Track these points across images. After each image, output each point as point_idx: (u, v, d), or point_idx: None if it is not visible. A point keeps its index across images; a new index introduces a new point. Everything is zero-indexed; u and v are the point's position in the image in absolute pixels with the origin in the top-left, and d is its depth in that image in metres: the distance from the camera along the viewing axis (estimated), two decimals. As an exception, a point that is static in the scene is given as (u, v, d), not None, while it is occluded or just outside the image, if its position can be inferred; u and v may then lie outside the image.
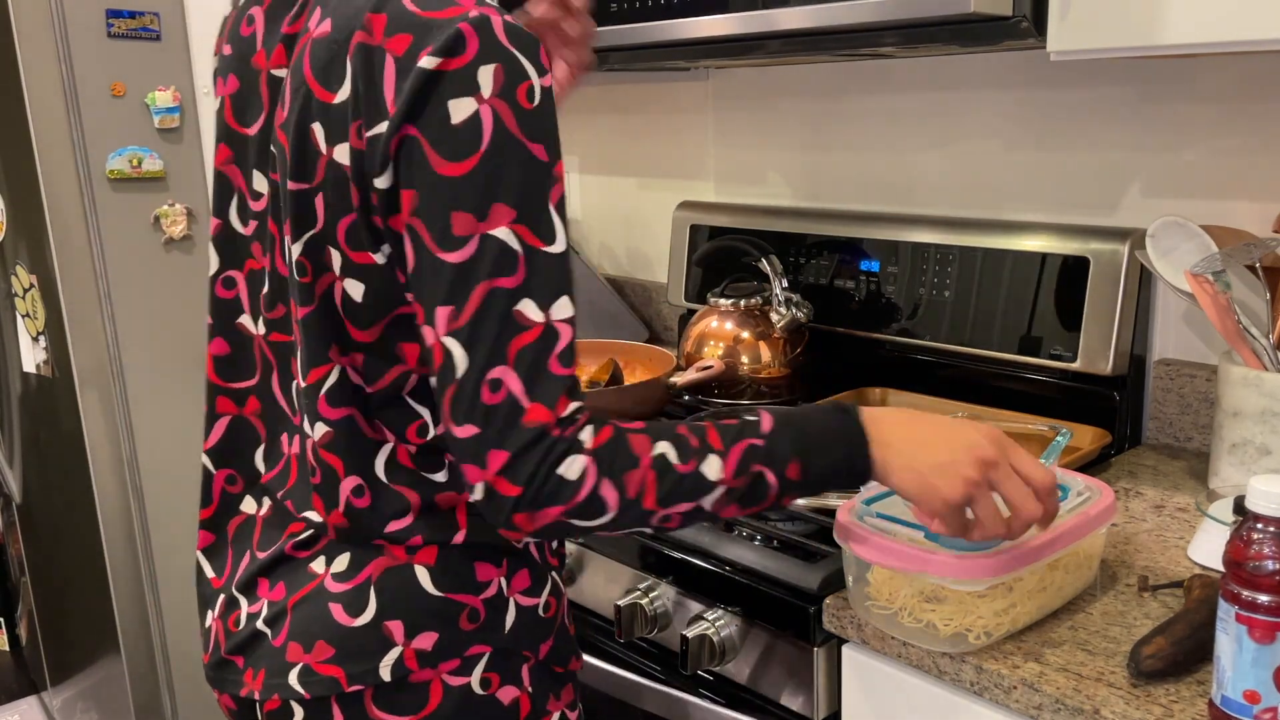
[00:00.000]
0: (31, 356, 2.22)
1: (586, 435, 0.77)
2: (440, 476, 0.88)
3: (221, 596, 0.95)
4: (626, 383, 1.67)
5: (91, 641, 2.28)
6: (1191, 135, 1.39)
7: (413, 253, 0.78)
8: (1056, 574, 0.98)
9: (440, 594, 0.88)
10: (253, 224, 0.92)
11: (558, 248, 0.78)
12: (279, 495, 0.93)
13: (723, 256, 1.87)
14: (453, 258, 0.76)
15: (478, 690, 0.90)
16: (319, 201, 0.82)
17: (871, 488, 1.05)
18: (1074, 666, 0.91)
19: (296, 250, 0.84)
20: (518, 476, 0.76)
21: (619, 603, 1.20)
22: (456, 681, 0.89)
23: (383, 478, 0.87)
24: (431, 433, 0.87)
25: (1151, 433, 1.47)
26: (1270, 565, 0.77)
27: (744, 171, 1.97)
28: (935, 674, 0.96)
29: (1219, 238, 1.26)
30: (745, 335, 1.69)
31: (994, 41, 1.25)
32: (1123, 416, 1.43)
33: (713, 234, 1.91)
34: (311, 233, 0.83)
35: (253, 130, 0.90)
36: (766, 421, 0.83)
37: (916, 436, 0.85)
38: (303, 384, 0.88)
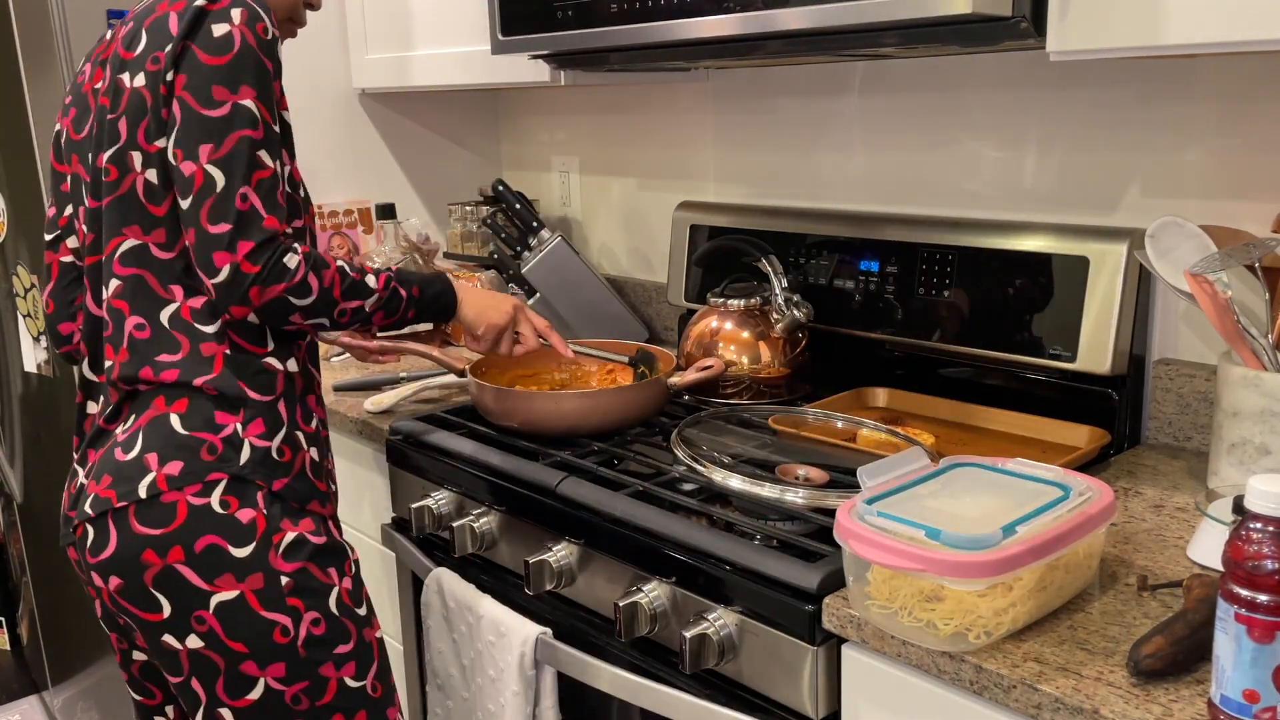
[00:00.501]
0: (32, 356, 2.22)
1: (296, 244, 1.17)
2: (210, 329, 1.20)
3: (70, 471, 1.28)
4: (626, 382, 1.68)
5: (92, 641, 2.29)
6: (1191, 135, 1.39)
7: (180, 116, 1.13)
8: (1056, 573, 0.98)
9: (186, 432, 1.18)
10: (90, 199, 1.24)
11: (277, 129, 1.18)
12: (103, 392, 1.25)
13: (723, 256, 1.87)
14: (214, 114, 1.13)
15: (218, 510, 1.17)
16: (122, 123, 1.17)
17: (872, 488, 1.05)
18: (1073, 666, 0.91)
19: (105, 157, 1.18)
20: (258, 259, 1.13)
21: (619, 602, 1.20)
22: (198, 502, 1.16)
23: (164, 324, 1.20)
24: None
25: (1151, 432, 1.47)
26: (1269, 565, 0.77)
27: (744, 171, 1.98)
28: (935, 673, 0.97)
29: (1219, 238, 1.26)
30: (745, 335, 1.69)
31: (994, 41, 1.25)
32: (1122, 416, 1.43)
33: (713, 234, 1.91)
34: (117, 146, 1.18)
35: (83, 135, 1.25)
36: (398, 271, 1.29)
37: (478, 299, 1.42)
38: (102, 259, 1.21)
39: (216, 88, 1.13)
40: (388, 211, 2.22)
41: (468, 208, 2.33)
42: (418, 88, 2.14)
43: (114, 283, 1.19)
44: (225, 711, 1.20)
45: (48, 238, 1.33)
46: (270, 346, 1.23)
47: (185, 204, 1.13)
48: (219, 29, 1.14)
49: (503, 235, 2.15)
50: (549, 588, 1.34)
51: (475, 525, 1.46)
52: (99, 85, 1.22)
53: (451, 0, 1.98)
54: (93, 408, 1.28)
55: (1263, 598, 0.77)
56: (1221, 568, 0.80)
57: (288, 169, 1.22)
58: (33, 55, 1.93)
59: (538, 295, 2.09)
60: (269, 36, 1.17)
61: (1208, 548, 1.09)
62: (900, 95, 1.70)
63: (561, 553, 1.33)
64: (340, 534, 1.29)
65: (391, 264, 2.08)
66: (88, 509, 1.17)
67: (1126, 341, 1.41)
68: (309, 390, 1.29)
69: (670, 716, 1.19)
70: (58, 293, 1.34)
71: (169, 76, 1.14)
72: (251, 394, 1.21)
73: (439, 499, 1.54)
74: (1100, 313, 1.40)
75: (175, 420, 1.18)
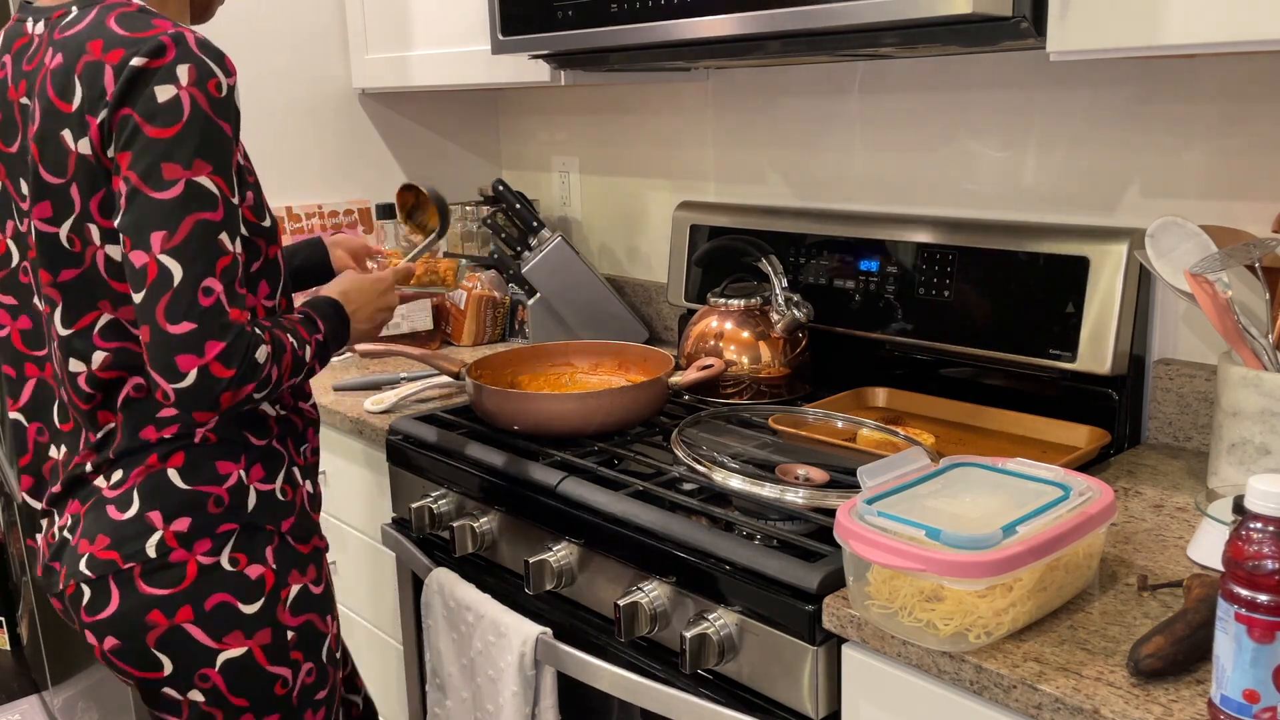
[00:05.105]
0: (32, 356, 2.22)
1: (259, 330, 1.07)
2: None
3: (44, 520, 1.21)
4: (626, 383, 1.67)
5: (92, 641, 2.28)
6: (1191, 135, 1.39)
7: (125, 200, 1.02)
8: (1056, 573, 0.98)
9: (188, 487, 1.13)
10: (26, 221, 1.13)
11: (237, 200, 1.06)
12: (67, 440, 1.18)
13: (723, 256, 1.87)
14: (165, 195, 1.00)
15: (227, 567, 1.14)
16: (74, 190, 1.06)
17: (872, 488, 1.05)
18: (1073, 666, 0.91)
19: (65, 230, 1.08)
20: (230, 363, 1.02)
21: (619, 602, 1.20)
22: (208, 560, 1.13)
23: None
24: None
25: (1151, 432, 1.47)
26: (1269, 565, 0.77)
27: (744, 171, 1.98)
28: (935, 673, 0.97)
29: (1219, 238, 1.26)
30: (745, 335, 1.69)
31: (994, 41, 1.25)
32: (1122, 416, 1.43)
33: (713, 234, 1.91)
34: (74, 217, 1.07)
35: (14, 149, 1.12)
36: (321, 325, 1.18)
37: (362, 313, 1.28)
38: (64, 332, 1.11)
39: (167, 165, 1.00)
40: (388, 211, 2.23)
41: (468, 208, 2.33)
42: (418, 88, 2.14)
43: (100, 356, 1.11)
44: None
45: None
46: None
47: (138, 298, 1.02)
48: (164, 93, 1.00)
49: (503, 235, 2.15)
50: (549, 588, 1.34)
51: (475, 525, 1.46)
52: (25, 102, 1.09)
53: (451, 0, 1.98)
54: (55, 452, 1.19)
55: (1263, 598, 0.77)
56: (1221, 568, 0.81)
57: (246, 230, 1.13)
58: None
59: (538, 295, 2.09)
60: (223, 93, 1.04)
61: (1208, 548, 1.09)
62: (900, 95, 1.70)
63: (561, 553, 1.33)
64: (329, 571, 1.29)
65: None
66: (84, 569, 1.12)
67: (1126, 341, 1.41)
68: (307, 424, 1.26)
69: (670, 716, 1.19)
70: None
71: (110, 152, 1.02)
72: (252, 439, 1.18)
73: (439, 499, 1.54)
74: (1100, 313, 1.40)
75: (174, 475, 1.13)
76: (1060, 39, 1.14)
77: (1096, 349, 1.40)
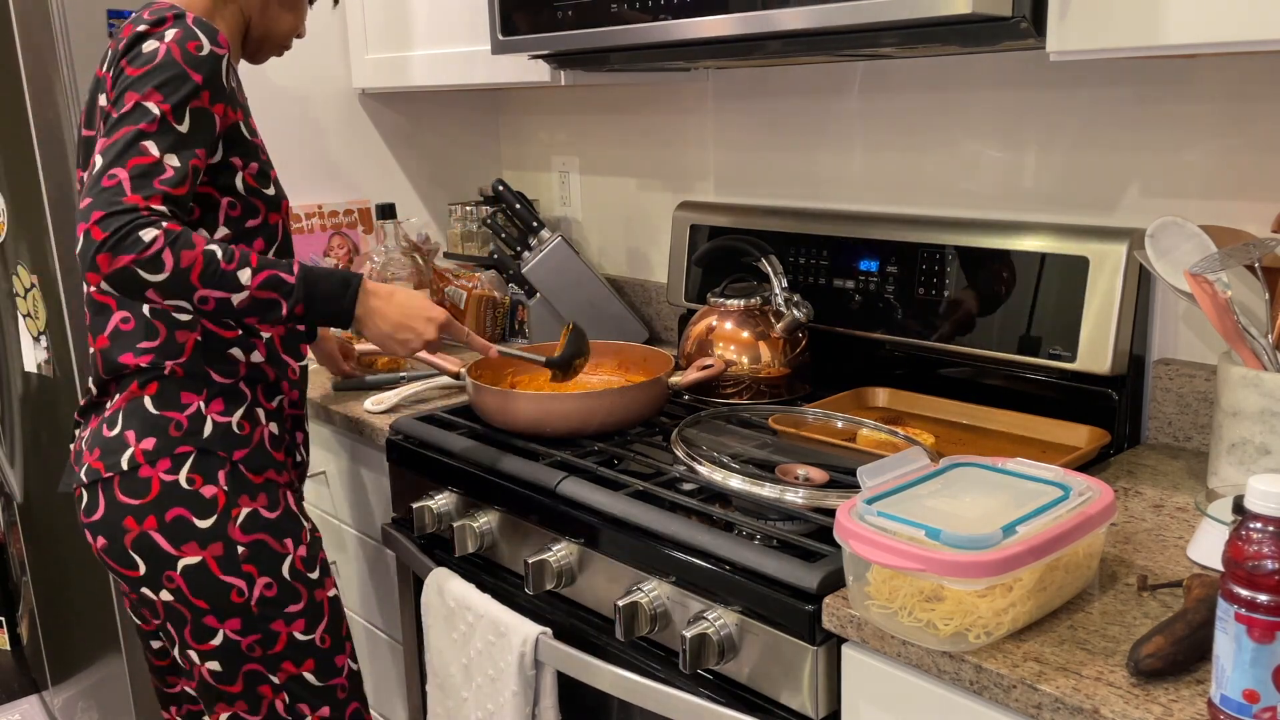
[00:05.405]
0: (33, 356, 2.22)
1: (164, 221, 1.17)
2: (185, 317, 1.33)
3: (76, 429, 1.42)
4: (626, 383, 1.67)
5: (92, 640, 2.29)
6: (1191, 135, 1.39)
7: (102, 123, 1.25)
8: (1056, 573, 0.98)
9: (157, 412, 1.32)
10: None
11: (183, 129, 1.21)
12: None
13: (723, 256, 1.87)
14: (116, 113, 1.20)
15: (184, 485, 1.31)
16: (99, 142, 1.24)
17: (872, 488, 1.05)
18: (1073, 666, 0.91)
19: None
20: (106, 227, 1.14)
21: (619, 602, 1.20)
22: (169, 478, 1.31)
23: (146, 314, 1.33)
24: None
25: (1151, 432, 1.47)
26: (1269, 565, 0.77)
27: (744, 171, 1.98)
28: (935, 673, 0.97)
29: (1219, 238, 1.26)
30: (745, 335, 1.69)
31: (994, 41, 1.25)
32: (1122, 416, 1.43)
33: (713, 234, 1.91)
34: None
35: (91, 132, 1.35)
36: (296, 268, 1.24)
37: (393, 310, 1.32)
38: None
39: (128, 93, 1.20)
40: (388, 211, 2.22)
41: (468, 208, 2.33)
42: (418, 88, 2.14)
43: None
44: (193, 653, 1.37)
45: None
46: (236, 336, 1.36)
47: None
48: (149, 45, 1.22)
49: (503, 235, 2.15)
50: (549, 588, 1.34)
51: (475, 525, 1.46)
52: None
53: (451, 0, 1.98)
54: (89, 383, 1.40)
55: (1263, 598, 0.77)
56: (1221, 568, 0.81)
57: (237, 173, 1.31)
58: (33, 55, 1.93)
59: (538, 295, 2.09)
60: (202, 53, 1.23)
61: (1208, 548, 1.09)
62: (900, 95, 1.70)
63: (561, 553, 1.33)
64: (298, 505, 1.44)
65: (390, 263, 2.08)
66: (83, 476, 1.33)
67: (1126, 341, 1.41)
68: (281, 376, 1.42)
69: (670, 716, 1.19)
70: None
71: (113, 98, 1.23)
72: (215, 376, 1.35)
73: (439, 499, 1.54)
74: (1100, 313, 1.40)
75: (148, 401, 1.33)
76: (1060, 39, 1.14)
77: (1096, 349, 1.40)
